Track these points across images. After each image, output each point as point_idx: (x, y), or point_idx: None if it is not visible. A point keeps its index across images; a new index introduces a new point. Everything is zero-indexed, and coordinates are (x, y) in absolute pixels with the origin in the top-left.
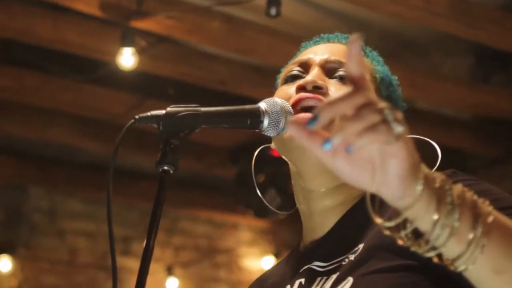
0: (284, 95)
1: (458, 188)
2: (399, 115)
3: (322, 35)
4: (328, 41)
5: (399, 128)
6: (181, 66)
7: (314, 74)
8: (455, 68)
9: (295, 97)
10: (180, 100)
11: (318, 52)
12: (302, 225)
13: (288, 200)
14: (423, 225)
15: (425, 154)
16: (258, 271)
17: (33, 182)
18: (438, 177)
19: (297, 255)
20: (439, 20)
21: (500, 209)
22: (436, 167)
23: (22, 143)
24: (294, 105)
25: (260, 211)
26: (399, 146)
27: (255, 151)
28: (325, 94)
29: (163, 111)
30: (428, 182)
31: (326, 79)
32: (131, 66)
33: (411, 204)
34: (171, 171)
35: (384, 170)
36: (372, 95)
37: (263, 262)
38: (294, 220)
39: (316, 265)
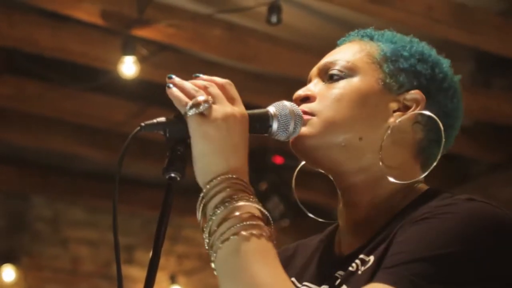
0: None
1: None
2: (208, 111)
3: (338, 41)
4: (339, 45)
5: (190, 106)
6: (182, 74)
7: (304, 88)
8: (456, 74)
9: None
10: None
11: (319, 62)
12: (307, 232)
13: (291, 207)
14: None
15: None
16: None
17: (35, 190)
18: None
19: (334, 251)
20: (440, 26)
21: (392, 254)
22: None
23: (24, 151)
24: None
25: None
26: (189, 122)
27: (258, 158)
28: (312, 102)
29: (169, 118)
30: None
31: (320, 84)
32: (133, 75)
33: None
34: (178, 178)
35: None
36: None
37: None
38: (297, 227)
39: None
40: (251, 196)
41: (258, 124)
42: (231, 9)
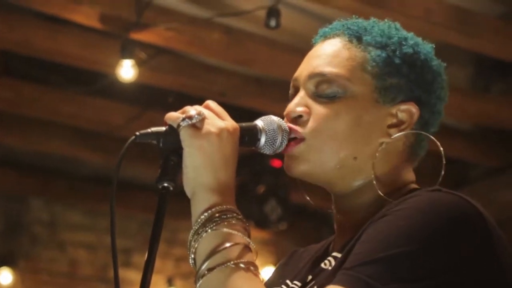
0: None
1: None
2: (199, 125)
3: (320, 30)
4: (325, 37)
5: (182, 118)
6: (181, 78)
7: (294, 103)
8: (456, 78)
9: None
10: None
11: (303, 67)
12: (305, 235)
13: (289, 210)
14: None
15: (428, 165)
16: None
17: (33, 193)
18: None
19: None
20: (439, 30)
21: (353, 254)
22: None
23: (22, 154)
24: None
25: (261, 222)
26: (182, 133)
27: (257, 161)
28: (304, 122)
29: (163, 128)
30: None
31: (309, 101)
32: (131, 78)
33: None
34: (171, 188)
35: None
36: (197, 109)
37: (264, 273)
38: (296, 230)
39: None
40: (238, 224)
41: (247, 137)
42: (230, 13)
